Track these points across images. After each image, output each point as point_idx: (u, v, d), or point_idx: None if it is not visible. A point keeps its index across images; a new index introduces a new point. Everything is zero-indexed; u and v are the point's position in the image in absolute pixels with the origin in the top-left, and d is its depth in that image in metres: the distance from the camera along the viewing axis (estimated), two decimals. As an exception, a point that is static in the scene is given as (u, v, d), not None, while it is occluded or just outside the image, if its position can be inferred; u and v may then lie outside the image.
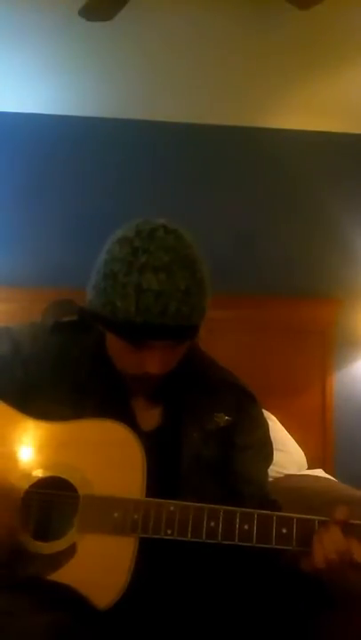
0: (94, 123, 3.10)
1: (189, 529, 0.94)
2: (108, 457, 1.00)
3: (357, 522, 0.94)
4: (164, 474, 1.01)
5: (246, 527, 0.93)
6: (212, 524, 0.94)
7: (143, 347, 0.99)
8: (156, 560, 0.97)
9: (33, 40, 2.49)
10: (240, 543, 0.93)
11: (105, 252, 1.01)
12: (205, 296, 1.00)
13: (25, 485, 0.99)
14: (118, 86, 2.87)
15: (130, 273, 0.94)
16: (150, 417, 1.12)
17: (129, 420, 1.06)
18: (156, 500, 0.96)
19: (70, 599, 0.92)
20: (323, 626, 0.97)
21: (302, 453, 2.75)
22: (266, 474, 1.19)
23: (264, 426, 1.20)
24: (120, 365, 1.06)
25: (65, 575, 0.93)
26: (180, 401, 1.12)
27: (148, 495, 0.97)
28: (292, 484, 2.19)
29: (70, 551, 0.95)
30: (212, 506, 0.95)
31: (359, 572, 0.94)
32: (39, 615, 0.87)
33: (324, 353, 2.99)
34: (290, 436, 2.76)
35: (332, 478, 2.56)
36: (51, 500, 1.00)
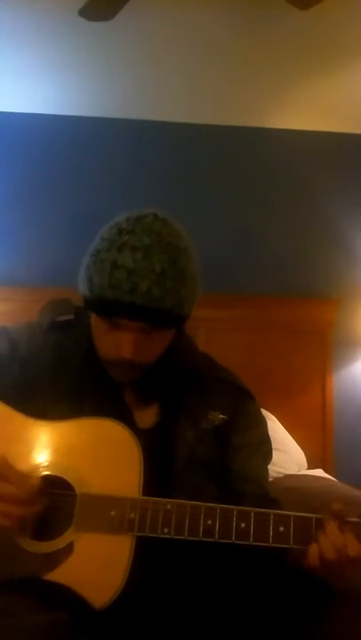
0: (94, 123, 3.11)
1: (186, 527, 0.93)
2: (105, 456, 1.00)
3: (354, 519, 0.94)
4: (160, 472, 1.01)
5: (243, 525, 0.93)
6: (209, 522, 0.93)
7: (117, 327, 1.00)
8: (154, 559, 0.97)
9: (33, 40, 2.50)
10: (237, 541, 0.93)
11: (97, 236, 1.04)
12: (185, 285, 1.00)
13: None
14: (118, 86, 2.87)
15: (109, 250, 0.97)
16: (147, 415, 1.12)
17: (125, 417, 1.06)
18: (153, 498, 0.96)
19: (68, 599, 0.91)
20: (325, 625, 0.97)
21: (302, 453, 2.74)
22: (265, 472, 1.18)
23: (261, 423, 1.19)
24: (100, 350, 1.06)
25: (62, 574, 0.93)
26: (176, 399, 1.12)
27: (144, 493, 0.97)
28: (292, 484, 2.19)
29: (67, 550, 0.95)
30: (209, 504, 0.95)
31: (355, 567, 0.94)
32: (38, 615, 0.86)
33: (324, 353, 2.99)
34: (290, 436, 2.75)
35: (332, 478, 2.56)
36: (48, 499, 1.00)
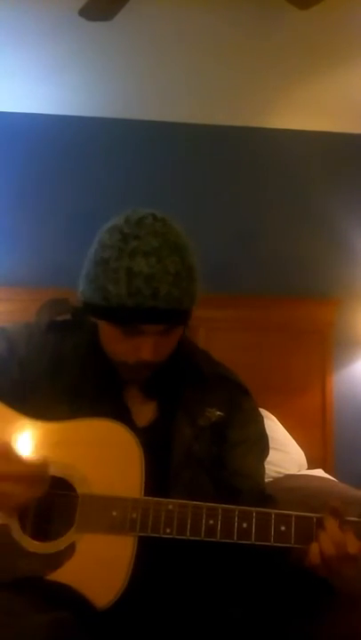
0: (94, 123, 3.11)
1: (188, 527, 0.94)
2: (106, 456, 1.00)
3: (354, 519, 0.95)
4: (158, 469, 1.01)
5: (245, 525, 0.93)
6: (211, 522, 0.94)
7: (136, 332, 1.00)
8: (156, 559, 0.97)
9: (33, 40, 2.50)
10: (239, 541, 0.93)
11: (95, 242, 1.03)
12: (195, 282, 1.02)
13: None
14: (118, 86, 2.87)
15: (120, 258, 0.96)
16: (145, 412, 1.12)
17: (124, 416, 1.07)
18: (155, 498, 0.96)
19: (70, 599, 0.92)
20: (326, 624, 0.97)
21: (302, 453, 2.74)
22: (262, 468, 1.18)
23: (258, 420, 1.20)
24: (113, 355, 1.07)
25: (64, 575, 0.93)
26: (174, 396, 1.12)
27: (145, 492, 0.97)
28: (292, 484, 2.19)
29: (69, 550, 0.95)
30: (211, 504, 0.95)
31: (355, 565, 0.94)
32: (39, 615, 0.86)
33: (324, 353, 3.00)
34: (290, 436, 2.75)
35: (332, 478, 2.56)
36: (50, 500, 1.00)
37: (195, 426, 1.10)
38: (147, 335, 1.00)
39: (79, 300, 1.06)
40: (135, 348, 1.01)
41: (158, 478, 1.01)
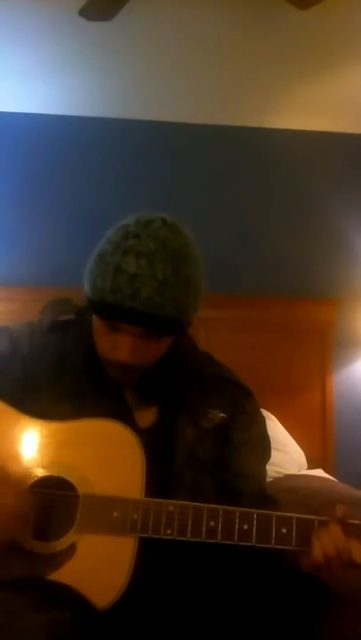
0: (94, 123, 3.10)
1: (189, 529, 0.94)
2: (107, 456, 1.00)
3: (357, 522, 0.94)
4: (159, 471, 1.01)
5: (246, 527, 0.93)
6: (212, 523, 0.94)
7: (116, 330, 1.00)
8: (156, 560, 0.97)
9: (33, 40, 2.50)
10: (240, 543, 0.93)
11: (104, 236, 1.04)
12: (188, 294, 1.00)
13: (25, 485, 0.99)
14: (118, 86, 2.87)
15: (114, 254, 0.97)
16: (147, 414, 1.12)
17: (126, 416, 1.06)
18: (156, 499, 0.96)
19: (70, 599, 0.92)
20: (324, 626, 0.97)
21: (302, 453, 2.74)
22: (264, 470, 1.18)
23: (260, 422, 1.20)
24: (99, 349, 1.07)
25: (64, 575, 0.93)
26: (176, 398, 1.12)
27: (146, 493, 0.97)
28: (292, 484, 2.19)
29: (70, 551, 0.95)
30: (212, 505, 0.95)
31: (358, 571, 0.94)
32: (39, 615, 0.86)
33: (324, 353, 2.99)
34: (290, 436, 2.75)
35: (332, 478, 2.56)
36: (50, 500, 1.00)
37: (198, 427, 1.10)
38: (125, 334, 1.00)
39: (82, 298, 1.06)
40: (114, 346, 1.01)
41: (160, 479, 1.01)
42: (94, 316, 1.05)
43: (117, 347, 1.01)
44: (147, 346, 1.02)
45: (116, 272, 0.96)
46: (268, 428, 1.22)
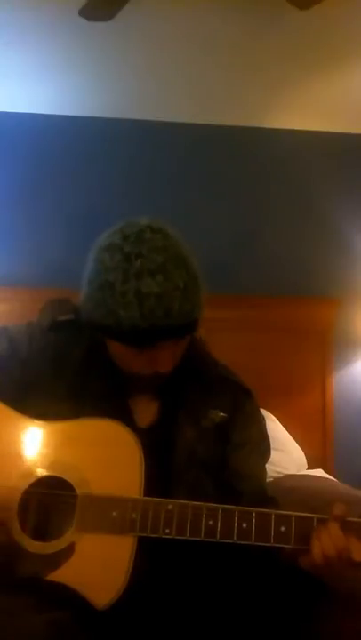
0: (94, 123, 3.10)
1: (188, 528, 0.94)
2: (106, 456, 1.00)
3: (356, 519, 0.94)
4: (159, 471, 1.01)
5: (245, 525, 0.93)
6: (211, 522, 0.94)
7: (151, 349, 1.00)
8: (155, 559, 0.97)
9: (33, 40, 2.50)
10: (239, 542, 0.93)
11: (94, 261, 1.01)
12: (201, 289, 1.03)
13: (24, 485, 0.99)
14: (118, 86, 2.87)
15: (127, 280, 0.95)
16: (147, 413, 1.12)
17: (126, 416, 1.07)
18: (155, 499, 0.96)
19: (69, 599, 0.92)
20: (322, 624, 0.97)
21: (302, 453, 2.74)
22: (263, 470, 1.19)
23: (260, 422, 1.20)
24: (127, 368, 1.07)
25: (63, 575, 0.93)
26: (176, 397, 1.12)
27: (144, 493, 0.97)
28: (292, 484, 2.19)
29: (69, 551, 0.95)
30: (211, 504, 0.95)
31: (357, 569, 0.94)
32: (39, 615, 0.87)
33: (324, 353, 2.99)
34: (290, 436, 2.75)
35: (332, 478, 2.56)
36: (49, 500, 1.00)
37: (198, 427, 1.10)
38: (162, 349, 1.01)
39: (83, 315, 1.05)
40: (152, 362, 1.02)
41: (160, 479, 1.01)
42: (113, 342, 1.04)
43: (156, 361, 1.02)
44: (180, 349, 1.06)
45: (139, 298, 0.94)
46: (268, 428, 1.22)
